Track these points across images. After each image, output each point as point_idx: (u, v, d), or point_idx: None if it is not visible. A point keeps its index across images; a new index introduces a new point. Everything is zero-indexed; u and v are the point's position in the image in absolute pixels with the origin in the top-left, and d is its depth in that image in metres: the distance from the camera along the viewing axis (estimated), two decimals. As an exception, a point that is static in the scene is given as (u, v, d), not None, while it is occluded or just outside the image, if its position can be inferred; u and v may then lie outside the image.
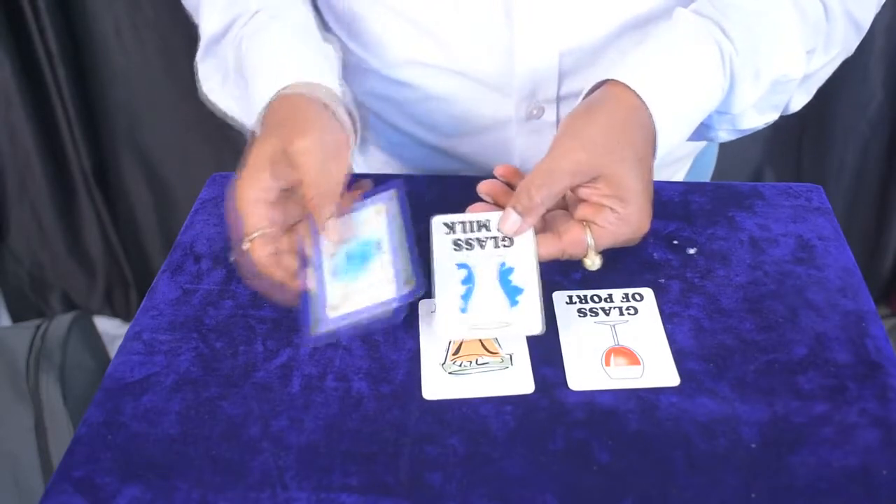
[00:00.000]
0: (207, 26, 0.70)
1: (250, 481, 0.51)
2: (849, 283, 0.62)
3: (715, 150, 0.95)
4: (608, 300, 0.61)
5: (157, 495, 0.50)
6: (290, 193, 0.59)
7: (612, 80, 0.60)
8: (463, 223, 0.59)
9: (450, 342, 0.59)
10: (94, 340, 1.42)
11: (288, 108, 0.61)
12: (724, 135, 0.69)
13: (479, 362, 0.57)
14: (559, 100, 0.74)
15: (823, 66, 0.68)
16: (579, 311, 0.61)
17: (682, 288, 0.62)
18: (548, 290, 0.62)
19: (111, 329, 1.80)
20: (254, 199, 0.58)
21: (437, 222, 0.59)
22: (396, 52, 0.73)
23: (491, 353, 0.58)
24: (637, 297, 0.62)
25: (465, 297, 0.57)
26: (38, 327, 1.32)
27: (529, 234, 0.58)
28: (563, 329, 0.59)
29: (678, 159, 0.86)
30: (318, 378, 0.57)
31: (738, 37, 0.62)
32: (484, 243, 0.58)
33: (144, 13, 1.47)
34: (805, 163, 1.57)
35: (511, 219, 0.57)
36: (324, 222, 0.57)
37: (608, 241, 0.58)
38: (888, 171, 1.57)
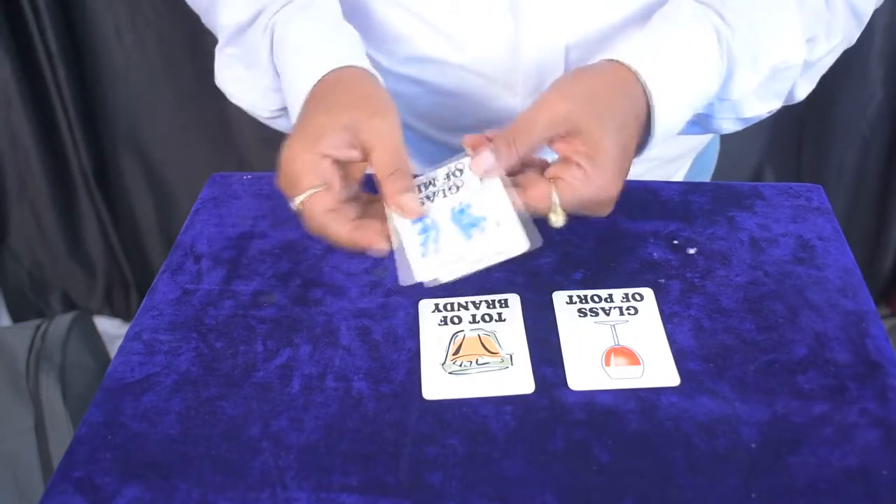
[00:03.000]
0: (232, 15, 0.70)
1: (250, 481, 0.51)
2: (849, 283, 0.62)
3: (716, 148, 0.95)
4: (608, 300, 0.61)
5: (157, 495, 0.50)
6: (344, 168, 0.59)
7: (609, 58, 0.60)
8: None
9: (450, 342, 0.59)
10: (94, 340, 1.42)
11: (351, 82, 0.61)
12: (728, 124, 0.69)
13: (479, 362, 0.57)
14: None
15: (825, 54, 0.68)
16: (579, 311, 0.61)
17: (682, 288, 0.62)
18: (548, 290, 0.62)
19: (111, 329, 1.80)
20: (317, 153, 0.57)
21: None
22: (403, 47, 0.73)
23: (491, 353, 0.58)
24: (637, 297, 0.62)
25: (424, 243, 0.57)
26: (38, 327, 1.32)
27: (496, 180, 0.58)
28: (563, 329, 0.59)
29: (679, 156, 0.85)
30: (318, 378, 0.57)
31: (735, 22, 0.62)
32: (433, 197, 0.59)
33: (144, 13, 1.47)
34: (805, 163, 1.57)
35: (484, 156, 0.57)
36: (402, 197, 0.57)
37: (572, 199, 0.57)
38: (888, 171, 1.57)
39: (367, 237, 0.58)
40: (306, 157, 0.57)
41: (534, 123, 0.57)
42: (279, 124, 0.75)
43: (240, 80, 0.73)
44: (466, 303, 0.61)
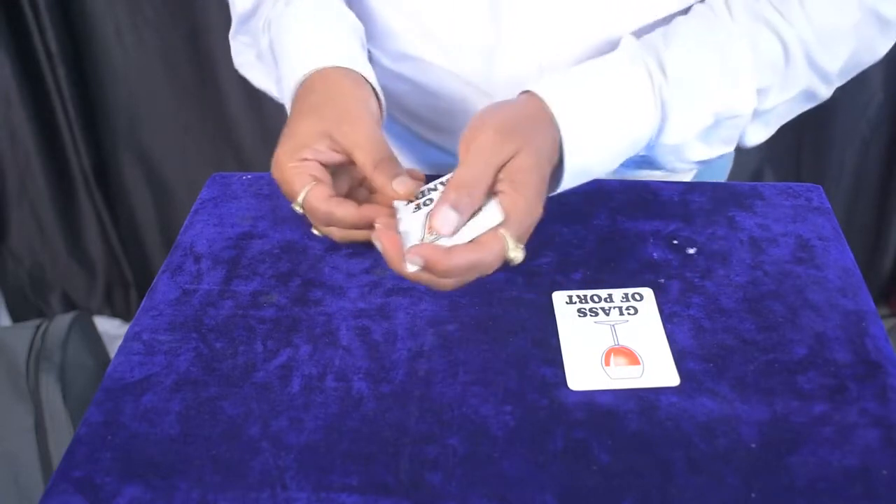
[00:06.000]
0: (239, 4, 0.73)
1: (250, 481, 0.51)
2: (849, 283, 0.62)
3: (730, 157, 0.94)
4: (608, 300, 0.61)
5: (157, 495, 0.50)
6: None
7: (527, 91, 0.60)
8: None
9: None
10: (94, 340, 1.42)
11: (326, 86, 0.63)
12: (679, 165, 0.68)
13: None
14: None
15: (779, 104, 0.66)
16: (579, 311, 0.61)
17: (682, 288, 0.62)
18: (548, 290, 0.62)
19: (111, 329, 1.80)
20: (300, 160, 0.60)
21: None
22: (392, 44, 0.74)
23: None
24: (637, 297, 0.62)
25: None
26: (38, 327, 1.32)
27: None
28: (563, 329, 0.59)
29: (681, 168, 0.85)
30: (318, 378, 0.57)
31: (673, 67, 0.62)
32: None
33: (144, 13, 1.47)
34: (805, 163, 1.57)
35: (446, 215, 0.53)
36: (393, 180, 0.58)
37: (516, 231, 0.55)
38: (888, 171, 1.57)
39: (376, 209, 0.59)
40: (291, 165, 0.60)
41: (474, 167, 0.55)
42: None
43: (253, 66, 0.75)
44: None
